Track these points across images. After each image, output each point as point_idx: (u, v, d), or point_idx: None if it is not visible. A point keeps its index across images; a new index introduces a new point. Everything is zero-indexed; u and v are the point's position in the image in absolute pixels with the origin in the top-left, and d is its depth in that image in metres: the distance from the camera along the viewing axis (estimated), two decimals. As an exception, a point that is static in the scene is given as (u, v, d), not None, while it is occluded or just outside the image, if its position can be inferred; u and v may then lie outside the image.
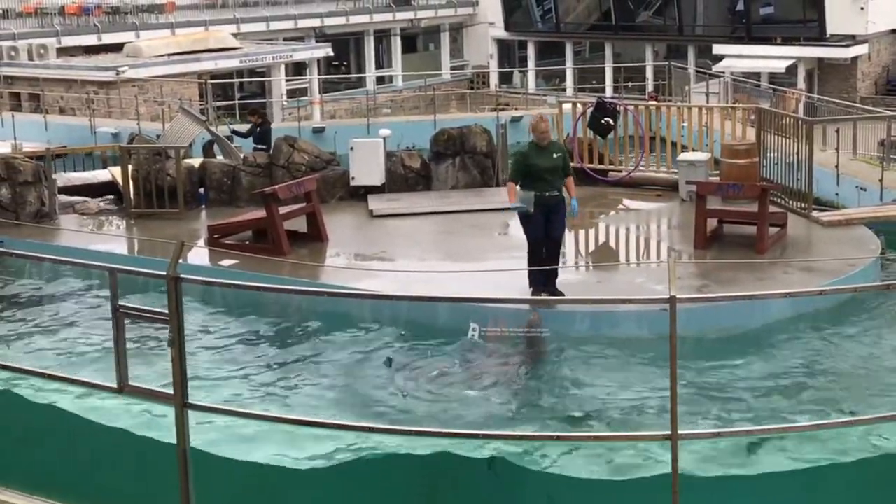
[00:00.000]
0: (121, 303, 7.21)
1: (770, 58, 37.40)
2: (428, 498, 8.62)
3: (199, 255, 14.56)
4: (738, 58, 37.51)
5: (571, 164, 17.40)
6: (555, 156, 11.68)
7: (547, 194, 11.61)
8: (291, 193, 14.82)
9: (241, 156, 18.21)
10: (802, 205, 15.15)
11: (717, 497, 8.34)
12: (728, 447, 8.65)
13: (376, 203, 16.63)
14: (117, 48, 36.17)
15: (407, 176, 17.40)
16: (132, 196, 16.67)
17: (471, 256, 13.75)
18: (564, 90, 39.72)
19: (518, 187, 11.80)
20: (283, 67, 38.16)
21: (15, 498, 7.72)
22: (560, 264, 12.17)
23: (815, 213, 15.08)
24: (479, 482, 8.49)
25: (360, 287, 12.13)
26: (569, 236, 15.48)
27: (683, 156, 16.82)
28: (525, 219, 11.74)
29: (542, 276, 11.62)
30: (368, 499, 8.66)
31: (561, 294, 11.74)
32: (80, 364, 11.04)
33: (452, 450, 8.41)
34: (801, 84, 37.09)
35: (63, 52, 35.95)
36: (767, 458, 8.61)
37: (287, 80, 38.36)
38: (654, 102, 21.60)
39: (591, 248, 15.08)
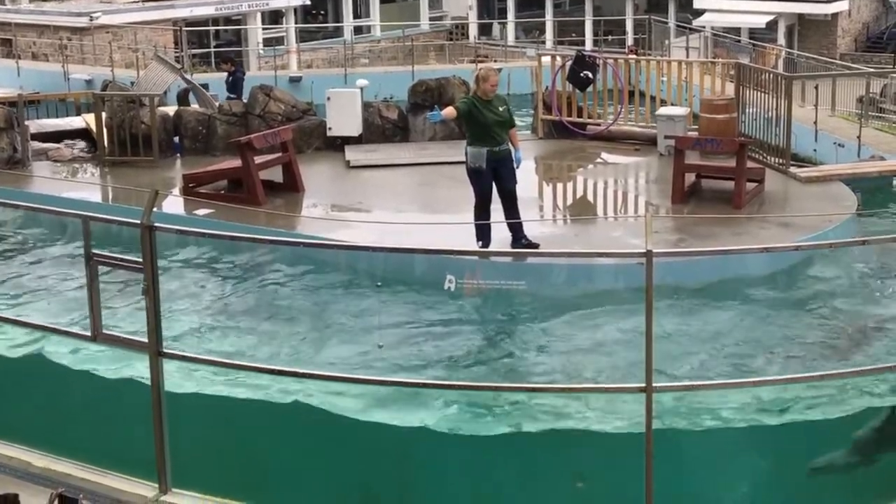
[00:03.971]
0: (94, 251, 7.14)
1: (750, 13, 37.29)
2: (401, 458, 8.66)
3: (173, 203, 14.45)
4: (719, 12, 37.36)
5: (549, 116, 17.56)
6: (500, 109, 11.65)
7: (497, 149, 11.61)
8: (267, 143, 14.70)
9: (217, 104, 18.05)
10: (780, 160, 15.17)
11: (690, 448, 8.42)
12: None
13: (353, 154, 16.53)
14: (91, -7, 35.69)
15: (384, 127, 17.29)
16: (106, 144, 16.51)
17: (448, 208, 13.70)
18: (544, 43, 39.50)
19: (467, 146, 11.77)
20: (259, 16, 37.75)
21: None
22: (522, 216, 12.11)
23: (792, 169, 15.10)
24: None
25: (336, 238, 12.07)
26: (546, 189, 15.49)
27: (662, 110, 16.77)
28: (475, 174, 11.73)
29: (490, 230, 11.66)
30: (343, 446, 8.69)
31: (536, 246, 11.74)
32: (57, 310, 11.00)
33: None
34: (782, 40, 37.04)
35: (36, -4, 35.46)
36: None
37: (263, 29, 37.97)
38: (634, 56, 21.51)
39: (569, 201, 15.06)
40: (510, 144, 11.76)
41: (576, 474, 8.30)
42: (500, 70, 14.23)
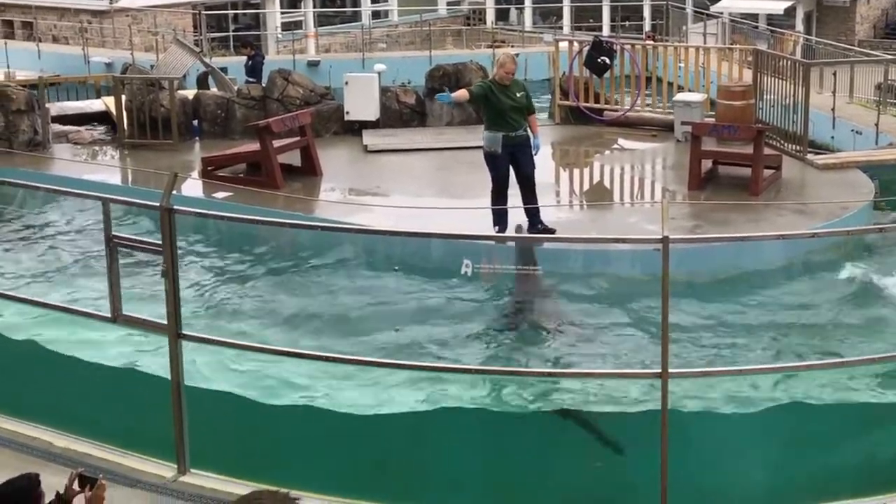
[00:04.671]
0: (114, 233, 7.23)
1: (769, -1, 37.09)
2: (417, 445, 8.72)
3: (192, 186, 14.53)
4: (737, -2, 37.17)
5: (566, 102, 17.55)
6: (518, 95, 11.67)
7: (513, 134, 11.64)
8: (285, 127, 14.76)
9: (236, 88, 18.11)
10: (797, 147, 15.15)
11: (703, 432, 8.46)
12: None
13: (371, 138, 16.58)
14: (110, -24, 35.69)
15: (402, 111, 17.33)
16: (126, 126, 16.60)
17: (465, 193, 13.74)
18: (561, 28, 39.41)
19: (484, 130, 11.80)
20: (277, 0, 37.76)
21: (10, 424, 7.79)
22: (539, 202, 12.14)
23: (809, 156, 15.08)
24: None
25: (354, 222, 12.13)
26: (563, 175, 15.51)
27: (679, 96, 16.76)
28: (491, 158, 11.78)
29: (507, 215, 11.71)
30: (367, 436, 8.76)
31: (552, 232, 11.77)
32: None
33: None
34: (800, 26, 36.84)
35: (55, -21, 35.45)
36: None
37: (282, 13, 37.96)
38: (652, 42, 21.46)
39: (586, 187, 15.08)
40: (528, 130, 11.79)
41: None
42: (517, 55, 14.22)
